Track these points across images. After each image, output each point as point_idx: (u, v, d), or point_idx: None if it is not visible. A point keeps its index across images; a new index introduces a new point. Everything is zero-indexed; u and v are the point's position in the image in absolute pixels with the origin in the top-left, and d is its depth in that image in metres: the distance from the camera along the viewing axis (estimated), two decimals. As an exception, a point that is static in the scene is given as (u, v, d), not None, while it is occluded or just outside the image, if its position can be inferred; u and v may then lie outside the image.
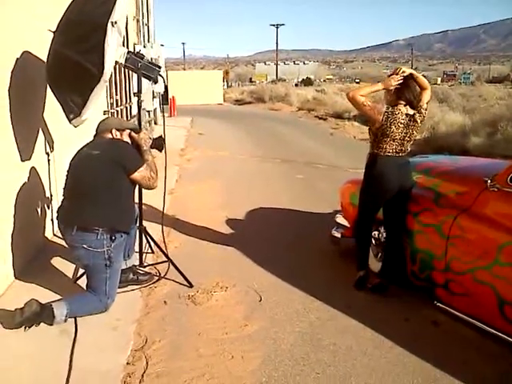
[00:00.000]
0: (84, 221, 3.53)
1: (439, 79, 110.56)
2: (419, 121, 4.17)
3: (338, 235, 5.12)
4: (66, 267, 4.50)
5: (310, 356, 3.32)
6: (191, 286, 4.27)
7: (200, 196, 7.53)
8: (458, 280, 3.76)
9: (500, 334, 3.41)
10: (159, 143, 4.09)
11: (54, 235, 5.28)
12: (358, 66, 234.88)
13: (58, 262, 4.64)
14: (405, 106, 4.13)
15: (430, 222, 4.04)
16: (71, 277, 4.34)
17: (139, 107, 4.26)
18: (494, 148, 10.83)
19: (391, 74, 4.22)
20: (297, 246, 5.49)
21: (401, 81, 4.12)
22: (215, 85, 32.04)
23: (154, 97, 12.26)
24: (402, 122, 4.08)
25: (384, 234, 4.60)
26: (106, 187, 3.59)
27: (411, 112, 4.13)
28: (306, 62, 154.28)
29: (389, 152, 4.13)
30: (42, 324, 3.42)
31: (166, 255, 4.38)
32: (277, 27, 61.05)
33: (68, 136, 5.30)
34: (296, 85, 66.58)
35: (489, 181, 3.69)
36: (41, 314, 3.36)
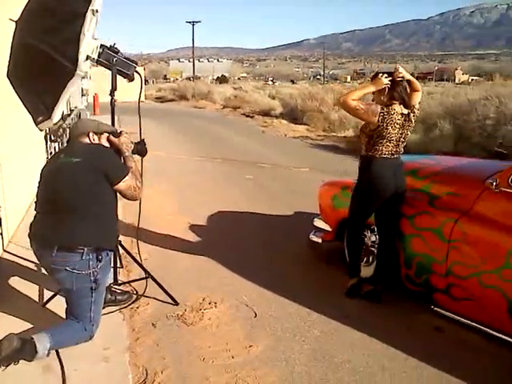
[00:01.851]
0: (66, 239, 3.04)
1: (349, 77, 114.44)
2: (413, 120, 4.02)
3: (319, 240, 4.89)
4: (28, 289, 3.97)
5: (328, 377, 3.06)
6: (176, 303, 3.88)
7: (152, 200, 7.04)
8: (460, 284, 3.63)
9: (508, 338, 3.31)
10: (141, 148, 3.64)
11: (5, 251, 4.66)
12: (270, 65, 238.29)
13: (17, 284, 4.07)
14: (399, 105, 3.95)
15: (427, 226, 3.89)
16: (37, 300, 3.81)
17: (113, 107, 3.79)
18: (431, 145, 11.06)
19: (376, 75, 4.04)
20: (271, 252, 5.21)
21: (389, 79, 3.95)
22: (135, 82, 30.69)
23: (82, 94, 11.48)
24: (398, 122, 3.90)
25: (372, 239, 4.43)
26: (89, 200, 3.12)
27: (405, 111, 3.97)
28: (220, 60, 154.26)
29: (384, 154, 3.94)
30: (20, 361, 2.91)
31: (146, 271, 3.94)
32: (193, 24, 60.04)
33: (16, 139, 4.69)
34: (211, 82, 66.27)
35: (494, 182, 3.57)
36: (21, 351, 2.85)
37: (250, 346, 3.35)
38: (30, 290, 3.96)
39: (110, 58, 3.51)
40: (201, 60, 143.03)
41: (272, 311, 3.87)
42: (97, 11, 3.05)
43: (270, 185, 8.57)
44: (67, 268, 3.04)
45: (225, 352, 3.27)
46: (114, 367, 3.03)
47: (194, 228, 5.92)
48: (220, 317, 3.74)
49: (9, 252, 4.57)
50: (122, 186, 3.22)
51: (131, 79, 3.71)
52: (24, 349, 2.86)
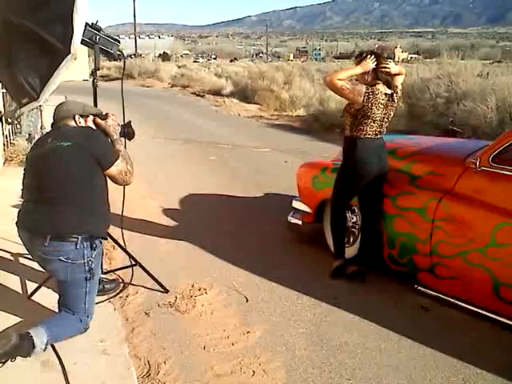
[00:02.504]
0: (59, 228, 2.91)
1: (292, 55, 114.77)
2: (396, 100, 4.06)
3: (298, 221, 4.90)
4: (8, 280, 3.80)
5: (330, 360, 3.08)
6: (167, 291, 3.80)
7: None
8: (445, 263, 3.72)
9: (493, 316, 3.43)
10: (130, 130, 3.51)
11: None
12: (212, 42, 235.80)
13: (-6, 274, 3.88)
14: (383, 85, 3.98)
15: (410, 206, 3.94)
16: (21, 292, 3.65)
17: (95, 88, 3.63)
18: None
19: (360, 56, 4.04)
20: (250, 234, 5.19)
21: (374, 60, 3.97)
22: (79, 60, 29.64)
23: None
24: (382, 102, 3.93)
25: (353, 219, 4.47)
26: (81, 186, 2.99)
27: (389, 92, 4.00)
28: (161, 37, 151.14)
29: (369, 134, 3.97)
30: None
31: (134, 258, 3.83)
32: (134, -1, 58.39)
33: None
34: (152, 60, 64.80)
35: (477, 162, 3.65)
36: (20, 346, 2.72)
37: (248, 332, 3.33)
38: (12, 281, 3.79)
39: (92, 36, 3.36)
40: (141, 37, 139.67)
41: (262, 295, 3.86)
42: (87, -12, 2.88)
43: (235, 165, 8.52)
44: (61, 258, 2.91)
45: (224, 339, 3.24)
46: (114, 360, 2.94)
47: (168, 212, 5.81)
48: (212, 303, 3.70)
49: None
50: (113, 170, 3.10)
51: (114, 58, 3.56)
52: (22, 344, 2.74)
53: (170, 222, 5.50)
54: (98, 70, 3.55)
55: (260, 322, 3.49)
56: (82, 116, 3.21)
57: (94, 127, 3.27)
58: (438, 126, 10.98)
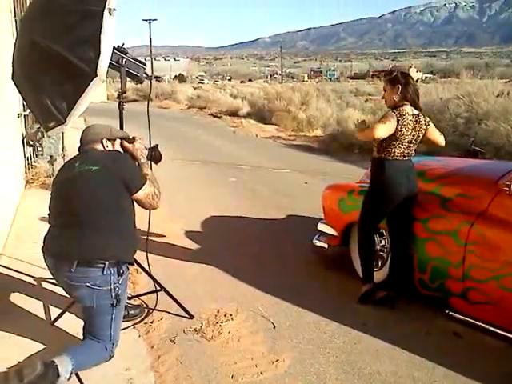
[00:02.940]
0: (87, 253, 2.85)
1: (306, 76, 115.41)
2: (424, 122, 3.98)
3: (324, 244, 4.81)
4: (32, 306, 3.74)
5: (363, 390, 2.97)
6: (192, 317, 3.73)
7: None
8: (478, 288, 3.60)
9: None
10: (157, 154, 3.47)
11: (-1, 265, 4.41)
12: (227, 63, 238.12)
13: (19, 300, 3.84)
14: (410, 106, 3.92)
15: (442, 229, 3.85)
16: (44, 317, 3.59)
17: (121, 111, 3.60)
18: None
19: (390, 74, 3.98)
20: (275, 257, 5.10)
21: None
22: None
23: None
24: (410, 123, 3.87)
25: (381, 242, 4.37)
26: (109, 210, 2.94)
27: (416, 112, 3.94)
28: (176, 59, 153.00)
29: (397, 156, 3.89)
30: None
31: (159, 283, 3.77)
32: (150, 22, 59.37)
33: None
34: (168, 81, 65.60)
35: (510, 184, 3.55)
36: (45, 376, 2.64)
37: (277, 361, 3.23)
38: (35, 306, 3.74)
39: (118, 59, 3.33)
40: (157, 59, 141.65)
41: (289, 321, 3.77)
42: (114, 10, 2.86)
43: (255, 187, 8.45)
44: (87, 284, 2.85)
45: (252, 368, 3.15)
46: (141, 389, 2.86)
47: (190, 234, 5.75)
48: (239, 330, 3.61)
49: (3, 266, 4.31)
50: (140, 194, 3.06)
51: (140, 81, 3.54)
52: (47, 373, 2.66)
53: (193, 245, 5.43)
54: (125, 93, 3.53)
55: (288, 349, 3.39)
56: (109, 140, 3.18)
57: (121, 151, 3.23)
58: (458, 146, 10.83)
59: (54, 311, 3.63)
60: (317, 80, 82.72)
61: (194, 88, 40.93)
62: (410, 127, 3.87)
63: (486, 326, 3.54)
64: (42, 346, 3.22)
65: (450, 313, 3.77)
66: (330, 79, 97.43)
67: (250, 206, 7.18)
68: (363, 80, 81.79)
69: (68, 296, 3.20)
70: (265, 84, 56.54)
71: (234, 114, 22.24)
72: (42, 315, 3.66)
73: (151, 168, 3.40)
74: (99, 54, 2.87)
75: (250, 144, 14.44)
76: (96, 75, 2.91)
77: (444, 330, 3.66)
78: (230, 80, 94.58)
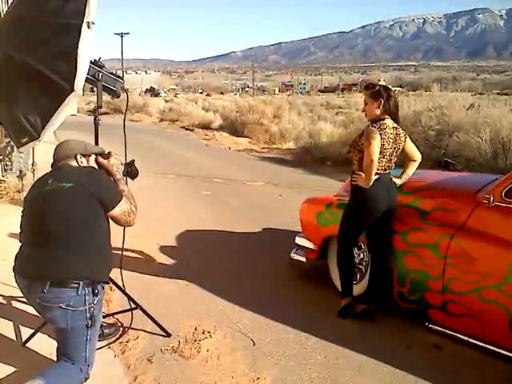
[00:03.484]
0: (60, 274, 2.73)
1: (277, 89, 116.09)
2: (402, 134, 3.99)
3: (302, 258, 4.76)
4: (1, 325, 3.60)
5: (346, 407, 2.91)
6: (169, 335, 3.62)
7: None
8: (458, 300, 3.59)
9: (509, 354, 3.29)
10: (133, 169, 3.38)
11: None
12: (199, 77, 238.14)
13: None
14: (390, 119, 3.91)
15: (421, 242, 3.83)
16: (15, 338, 3.45)
17: (96, 126, 3.51)
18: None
19: (373, 88, 3.97)
20: (253, 272, 5.03)
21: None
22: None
23: None
24: (391, 136, 3.87)
25: (360, 256, 4.34)
26: (84, 228, 2.83)
27: (396, 125, 3.94)
28: (148, 72, 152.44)
29: (378, 169, 3.87)
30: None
31: (135, 301, 3.65)
32: (122, 36, 59.13)
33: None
34: (139, 94, 65.22)
35: (490, 197, 3.56)
36: (16, 403, 2.53)
37: (258, 379, 3.15)
38: (5, 326, 3.59)
39: (95, 73, 3.25)
40: (128, 72, 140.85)
41: (269, 338, 3.69)
42: (93, 23, 2.79)
43: (230, 200, 8.39)
44: (61, 305, 2.73)
45: (233, 387, 3.06)
46: (118, 413, 2.75)
47: (165, 250, 5.64)
48: (218, 347, 3.52)
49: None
50: (116, 211, 2.96)
51: (117, 96, 3.46)
52: (19, 401, 2.54)
53: (168, 261, 5.32)
54: (101, 107, 3.43)
55: (269, 366, 3.31)
56: (83, 155, 3.08)
57: (96, 167, 3.14)
58: (430, 157, 10.98)
59: (26, 331, 3.48)
60: (288, 93, 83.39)
61: (166, 101, 40.79)
62: (391, 140, 3.87)
63: (466, 338, 3.53)
64: (14, 369, 3.09)
65: (430, 325, 3.75)
66: (301, 93, 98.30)
67: (225, 219, 7.10)
68: (333, 93, 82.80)
69: (39, 316, 3.07)
70: (236, 97, 56.71)
71: (206, 127, 22.23)
72: (13, 336, 3.51)
73: (127, 184, 3.31)
74: (76, 68, 2.79)
75: (223, 157, 14.39)
76: (73, 90, 2.82)
77: (424, 343, 3.63)
78: (201, 93, 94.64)
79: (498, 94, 54.20)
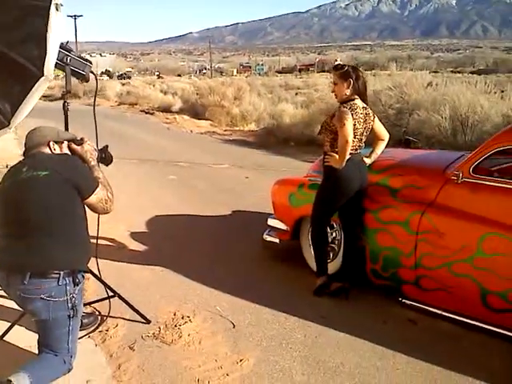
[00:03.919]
0: (40, 264, 2.68)
1: (235, 70, 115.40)
2: (371, 114, 4.04)
3: (275, 239, 4.80)
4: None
5: (330, 383, 2.97)
6: (148, 321, 3.61)
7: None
8: (430, 275, 3.70)
9: (481, 324, 3.43)
10: (107, 155, 3.33)
11: None
12: (155, 59, 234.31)
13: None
14: (359, 99, 3.96)
15: (393, 219, 3.92)
16: (-10, 333, 3.38)
17: (66, 111, 3.44)
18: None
19: (342, 68, 3.99)
20: (226, 254, 5.04)
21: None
22: None
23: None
24: (362, 116, 3.92)
25: (333, 235, 4.41)
26: (61, 217, 2.78)
27: (365, 105, 3.99)
28: (103, 55, 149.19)
29: (350, 150, 3.91)
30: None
31: (112, 289, 3.63)
32: (75, 18, 57.53)
33: None
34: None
35: (459, 173, 3.66)
36: (1, 396, 2.49)
37: (241, 360, 3.19)
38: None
39: (63, 57, 3.18)
40: (82, 55, 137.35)
41: (248, 319, 3.73)
42: (61, 5, 2.71)
43: (197, 184, 8.35)
44: (42, 296, 2.68)
45: (217, 370, 3.09)
46: (105, 402, 2.75)
47: (136, 236, 5.59)
48: (199, 331, 3.53)
49: None
50: (93, 199, 2.91)
51: (86, 80, 3.39)
52: (4, 394, 2.50)
53: (141, 247, 5.28)
54: (70, 92, 3.36)
55: (251, 348, 3.35)
56: (56, 142, 3.01)
57: (69, 153, 3.07)
58: (391, 136, 11.12)
59: (2, 325, 3.41)
60: (246, 75, 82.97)
61: (123, 84, 40.03)
62: (362, 120, 3.92)
63: (439, 312, 3.65)
64: (-7, 364, 3.02)
65: (404, 300, 3.85)
66: (259, 74, 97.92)
67: (194, 203, 7.08)
68: (291, 74, 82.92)
69: (15, 308, 3.02)
70: (195, 79, 56.13)
71: (166, 110, 21.97)
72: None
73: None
74: (46, 52, 2.72)
75: (186, 140, 14.28)
76: (43, 74, 2.75)
77: (399, 318, 3.73)
78: (158, 76, 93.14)
79: (452, 71, 55.45)
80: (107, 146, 3.35)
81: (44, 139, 2.98)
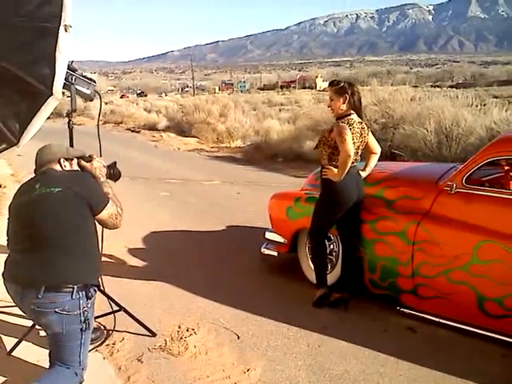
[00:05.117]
0: (55, 278, 2.74)
1: (217, 88, 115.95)
2: (366, 128, 4.17)
3: (273, 252, 4.88)
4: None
5: (336, 390, 3.06)
6: (154, 334, 3.66)
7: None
8: (428, 284, 3.80)
9: (479, 331, 3.53)
10: (116, 171, 3.41)
11: None
12: (136, 77, 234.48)
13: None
14: (355, 114, 4.08)
15: (389, 230, 4.03)
16: (-1, 348, 3.42)
17: (71, 130, 3.51)
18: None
19: (338, 84, 4.11)
20: (225, 269, 5.11)
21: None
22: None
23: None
24: (358, 130, 4.03)
25: (331, 247, 4.50)
26: (74, 232, 2.84)
27: (360, 120, 4.11)
28: (83, 74, 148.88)
29: None
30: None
31: (118, 304, 3.67)
32: (55, 37, 57.41)
33: None
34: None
35: (453, 184, 3.79)
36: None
37: (248, 370, 3.25)
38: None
39: (68, 76, 3.25)
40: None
41: (252, 331, 3.80)
42: (70, 27, 2.80)
43: (189, 200, 8.42)
44: (56, 310, 2.74)
45: (226, 380, 3.15)
46: (117, 414, 2.79)
47: (134, 252, 5.64)
48: (205, 343, 3.60)
49: None
50: (104, 214, 2.99)
51: (91, 99, 3.47)
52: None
53: (140, 263, 5.33)
54: (75, 111, 3.44)
55: (257, 358, 3.42)
56: (66, 159, 3.08)
57: (79, 170, 3.15)
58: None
59: (9, 341, 3.44)
60: (228, 92, 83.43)
61: (106, 103, 40.04)
62: (358, 135, 4.04)
63: (437, 319, 3.75)
64: (3, 379, 3.06)
65: (402, 309, 3.95)
66: (241, 91, 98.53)
67: (188, 219, 7.14)
68: (273, 91, 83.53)
69: (22, 324, 3.06)
70: (177, 97, 56.34)
71: (152, 128, 22.05)
72: (-5, 344, 3.47)
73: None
74: (55, 72, 2.80)
75: (175, 157, 14.35)
76: (52, 94, 2.83)
77: (399, 326, 3.83)
78: (140, 94, 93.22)
79: (432, 86, 56.28)
80: (115, 163, 3.43)
81: (54, 156, 3.04)
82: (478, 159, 3.77)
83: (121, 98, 63.56)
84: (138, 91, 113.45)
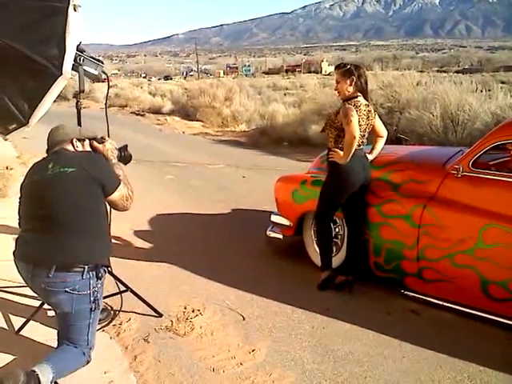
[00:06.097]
0: (66, 258, 2.77)
1: (222, 72, 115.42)
2: (373, 111, 4.16)
3: (279, 235, 4.90)
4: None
5: (340, 371, 3.09)
6: (160, 315, 3.70)
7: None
8: (433, 267, 3.82)
9: (482, 314, 3.56)
10: (127, 154, 3.43)
11: None
12: (140, 61, 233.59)
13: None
14: (362, 96, 4.07)
15: (395, 213, 4.03)
16: (7, 328, 3.45)
17: (79, 110, 3.52)
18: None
19: (345, 67, 4.09)
20: (231, 251, 5.14)
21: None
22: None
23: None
24: (365, 113, 4.02)
25: (336, 230, 4.52)
26: (87, 213, 2.87)
27: (367, 102, 4.10)
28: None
29: None
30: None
31: (125, 284, 3.71)
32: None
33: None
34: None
35: (460, 167, 3.79)
36: (26, 387, 2.56)
37: (253, 351, 3.28)
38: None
39: (77, 57, 3.25)
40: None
41: (257, 312, 3.83)
42: (79, 6, 2.79)
43: (195, 183, 8.44)
44: (67, 289, 2.77)
45: (231, 360, 3.18)
46: (125, 392, 2.83)
47: (140, 234, 5.67)
48: (210, 324, 3.63)
49: None
50: (115, 196, 3.01)
51: (99, 80, 3.47)
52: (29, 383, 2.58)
53: (145, 245, 5.36)
54: (83, 92, 3.44)
55: (262, 338, 3.45)
56: (79, 140, 3.10)
57: (91, 151, 3.17)
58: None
59: (17, 320, 3.48)
60: (233, 76, 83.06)
61: (110, 86, 39.95)
62: (365, 117, 4.03)
63: (441, 303, 3.78)
64: (11, 357, 3.10)
65: (406, 292, 3.97)
66: (246, 75, 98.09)
67: (193, 202, 7.17)
68: (278, 75, 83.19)
69: (30, 304, 3.08)
70: (182, 81, 56.19)
71: (157, 111, 22.01)
72: (5, 325, 3.50)
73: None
74: (64, 52, 2.80)
75: (179, 141, 14.36)
76: (61, 74, 2.83)
77: (403, 309, 3.85)
78: (144, 77, 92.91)
79: (438, 71, 55.84)
80: (126, 146, 3.45)
81: (67, 136, 3.06)
82: (484, 143, 3.77)
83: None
84: (143, 75, 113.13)
